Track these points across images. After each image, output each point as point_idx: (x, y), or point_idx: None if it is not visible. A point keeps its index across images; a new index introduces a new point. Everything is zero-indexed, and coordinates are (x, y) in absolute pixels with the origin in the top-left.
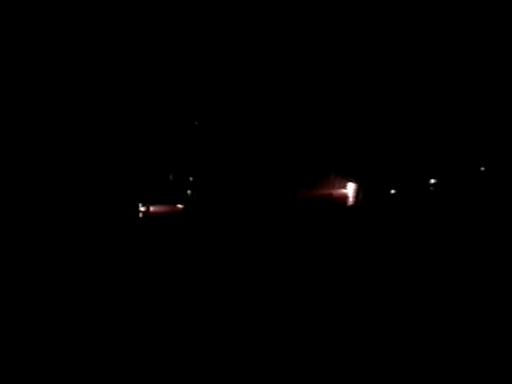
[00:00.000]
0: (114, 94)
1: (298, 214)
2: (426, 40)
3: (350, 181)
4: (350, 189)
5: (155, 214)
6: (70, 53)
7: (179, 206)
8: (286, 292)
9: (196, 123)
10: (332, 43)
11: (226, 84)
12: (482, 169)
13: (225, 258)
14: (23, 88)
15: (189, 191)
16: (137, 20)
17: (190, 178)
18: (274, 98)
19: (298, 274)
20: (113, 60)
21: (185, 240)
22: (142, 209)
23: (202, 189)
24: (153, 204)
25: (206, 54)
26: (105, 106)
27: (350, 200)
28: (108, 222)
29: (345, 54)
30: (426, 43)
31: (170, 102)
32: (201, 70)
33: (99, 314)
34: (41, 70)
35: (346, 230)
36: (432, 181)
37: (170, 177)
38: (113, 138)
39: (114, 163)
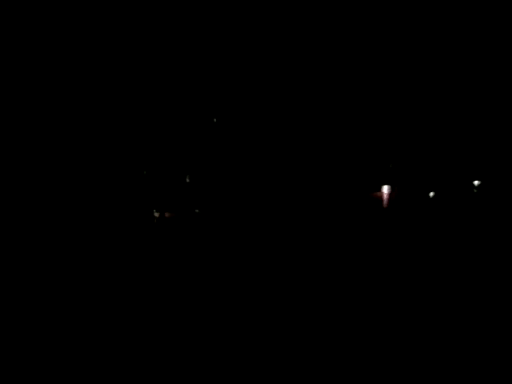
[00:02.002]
0: (124, 93)
1: (324, 216)
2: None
3: (385, 183)
4: (384, 191)
5: (170, 220)
6: (80, 52)
7: (197, 211)
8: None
9: (215, 120)
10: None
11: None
12: None
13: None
14: (28, 88)
15: (206, 195)
16: (144, 18)
17: (208, 181)
18: (302, 94)
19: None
20: (125, 58)
21: (204, 249)
22: (156, 215)
23: (224, 192)
24: (168, 210)
25: (224, 53)
26: (115, 105)
27: (384, 203)
28: (120, 229)
29: (376, 55)
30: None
31: (185, 97)
32: (219, 65)
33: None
34: (52, 70)
35: (376, 235)
36: (476, 182)
37: (187, 179)
38: (125, 139)
39: (125, 165)
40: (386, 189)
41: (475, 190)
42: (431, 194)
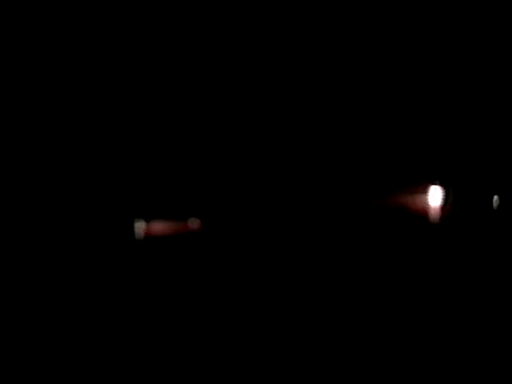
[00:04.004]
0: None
1: (352, 233)
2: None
3: (434, 183)
4: (435, 195)
5: (158, 235)
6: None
7: (194, 221)
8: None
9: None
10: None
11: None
12: None
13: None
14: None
15: (208, 200)
16: (140, 19)
17: (209, 181)
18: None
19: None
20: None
21: (204, 278)
22: (140, 227)
23: (228, 196)
24: (154, 219)
25: (223, 49)
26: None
27: (434, 211)
28: (89, 247)
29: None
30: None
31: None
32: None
33: None
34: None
35: (427, 258)
36: None
37: (179, 178)
38: (95, 124)
39: (97, 159)
40: (436, 191)
41: None
42: (495, 198)
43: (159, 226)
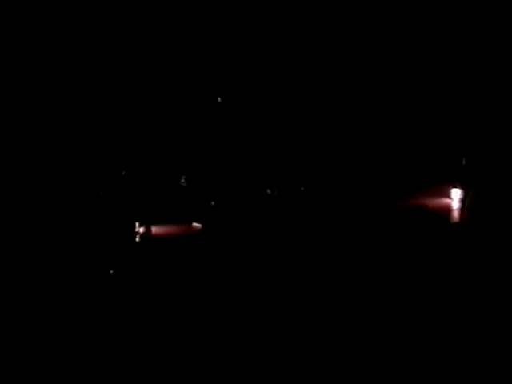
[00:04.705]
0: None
1: (375, 235)
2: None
3: (455, 186)
4: (455, 197)
5: (159, 237)
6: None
7: (196, 224)
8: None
9: (219, 100)
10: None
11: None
12: None
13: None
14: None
15: (212, 202)
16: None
17: (213, 184)
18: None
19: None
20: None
21: (207, 281)
22: (140, 230)
23: (232, 199)
24: (156, 223)
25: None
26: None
27: (455, 214)
28: (88, 250)
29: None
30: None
31: (179, 79)
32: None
33: None
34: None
35: (448, 260)
36: None
37: (182, 181)
38: (95, 125)
39: (96, 160)
40: (457, 194)
41: None
42: None
43: (159, 229)
